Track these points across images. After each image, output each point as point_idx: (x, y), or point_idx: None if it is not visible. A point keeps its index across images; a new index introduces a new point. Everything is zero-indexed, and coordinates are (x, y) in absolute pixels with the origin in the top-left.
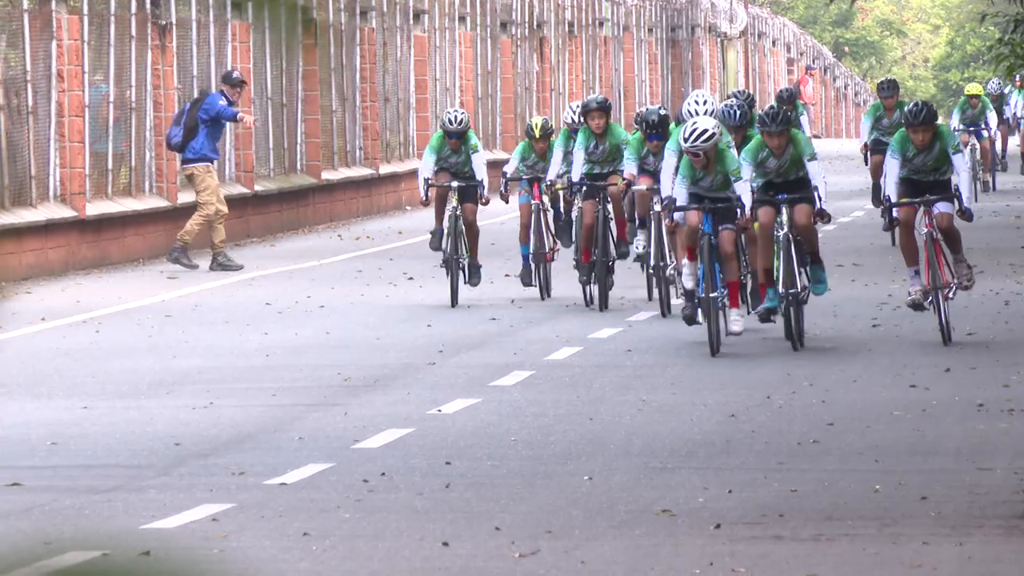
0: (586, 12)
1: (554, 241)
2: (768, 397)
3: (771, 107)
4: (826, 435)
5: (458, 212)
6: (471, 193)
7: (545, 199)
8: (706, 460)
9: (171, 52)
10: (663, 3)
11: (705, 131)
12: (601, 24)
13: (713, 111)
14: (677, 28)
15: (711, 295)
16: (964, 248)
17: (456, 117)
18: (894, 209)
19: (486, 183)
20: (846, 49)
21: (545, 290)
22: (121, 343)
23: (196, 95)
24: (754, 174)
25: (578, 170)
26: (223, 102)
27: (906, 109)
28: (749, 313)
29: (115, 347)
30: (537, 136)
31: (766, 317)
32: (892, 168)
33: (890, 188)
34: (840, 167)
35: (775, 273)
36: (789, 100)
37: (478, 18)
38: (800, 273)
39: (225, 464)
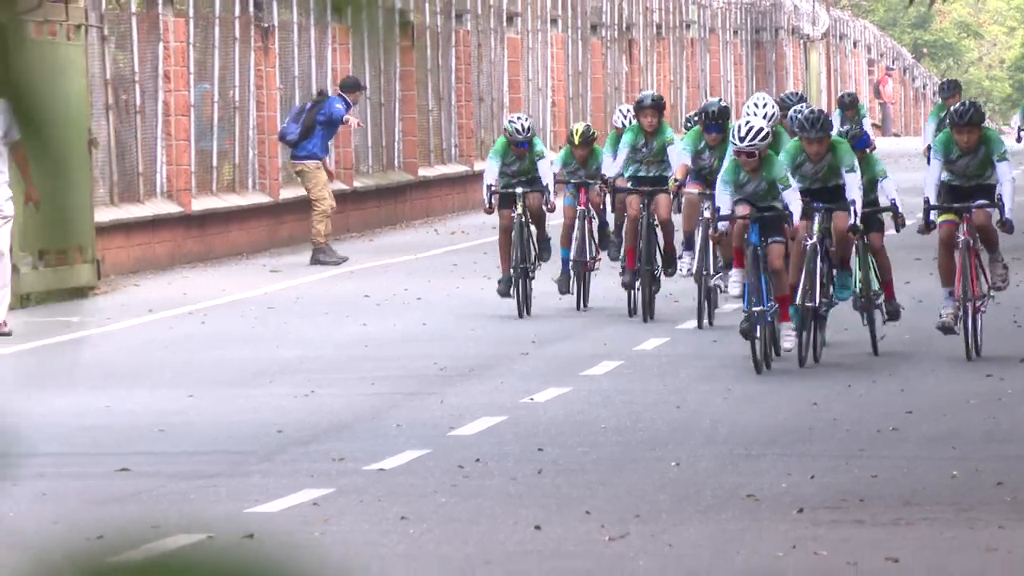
0: (674, 15)
1: (597, 251)
2: (849, 386)
3: (811, 111)
4: (905, 423)
5: (524, 218)
6: (535, 190)
7: (590, 206)
8: (789, 447)
9: (273, 54)
10: (748, 6)
11: (761, 129)
12: (688, 26)
13: (774, 114)
14: (761, 30)
15: (756, 309)
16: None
17: (523, 126)
18: (932, 214)
19: (552, 188)
20: (924, 50)
21: (583, 300)
22: (225, 334)
23: (315, 96)
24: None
25: (617, 166)
26: (340, 106)
27: (952, 109)
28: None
29: (219, 338)
30: (577, 143)
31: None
32: (934, 169)
33: (929, 189)
34: (919, 164)
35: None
36: (851, 104)
37: (569, 20)
38: (823, 286)
39: (325, 450)
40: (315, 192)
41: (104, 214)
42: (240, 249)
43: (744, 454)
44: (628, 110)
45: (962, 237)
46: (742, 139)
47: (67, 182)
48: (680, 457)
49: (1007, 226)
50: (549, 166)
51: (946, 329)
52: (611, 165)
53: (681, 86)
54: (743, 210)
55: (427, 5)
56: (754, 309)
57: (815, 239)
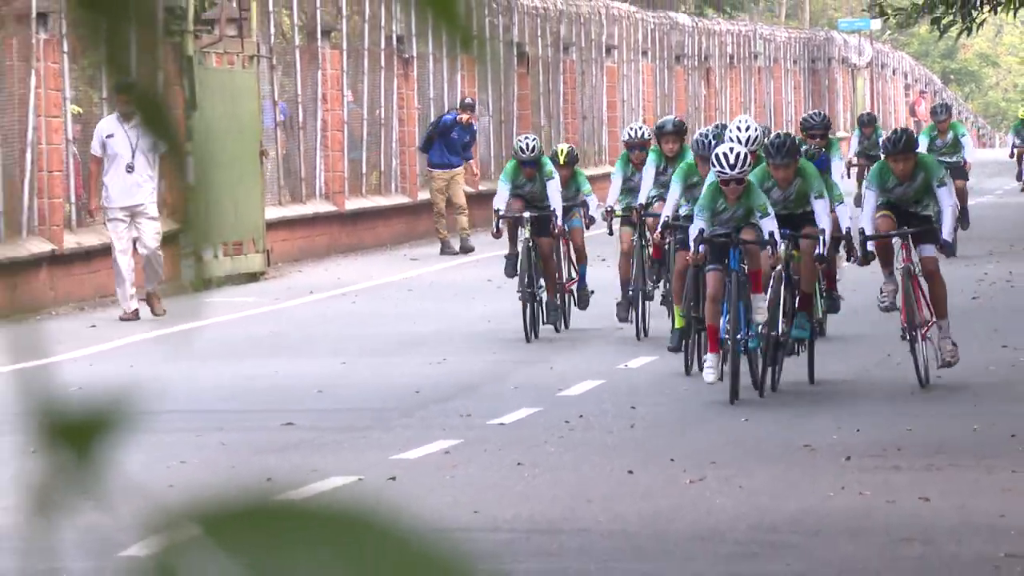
0: (744, 47)
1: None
2: (888, 355)
3: (777, 135)
4: (935, 385)
5: (531, 244)
6: (545, 224)
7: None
8: (838, 406)
9: (412, 79)
10: (805, 40)
11: (747, 156)
12: (756, 56)
13: (756, 137)
14: (816, 60)
15: (737, 337)
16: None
17: (529, 145)
18: (869, 243)
19: (560, 211)
20: (951, 77)
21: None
22: (372, 312)
23: (436, 117)
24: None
25: (646, 190)
26: (448, 116)
27: (884, 138)
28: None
29: (367, 315)
30: (562, 162)
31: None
32: (869, 200)
33: (865, 221)
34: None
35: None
36: (869, 123)
37: (657, 52)
38: (785, 316)
39: (456, 408)
40: (457, 196)
41: (273, 212)
42: (384, 241)
43: (802, 412)
44: (639, 125)
45: (901, 264)
46: (732, 167)
47: (243, 184)
48: (748, 415)
49: (946, 249)
50: (558, 188)
51: (889, 309)
52: (617, 189)
53: (750, 107)
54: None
55: (539, 39)
56: (736, 337)
57: (780, 267)
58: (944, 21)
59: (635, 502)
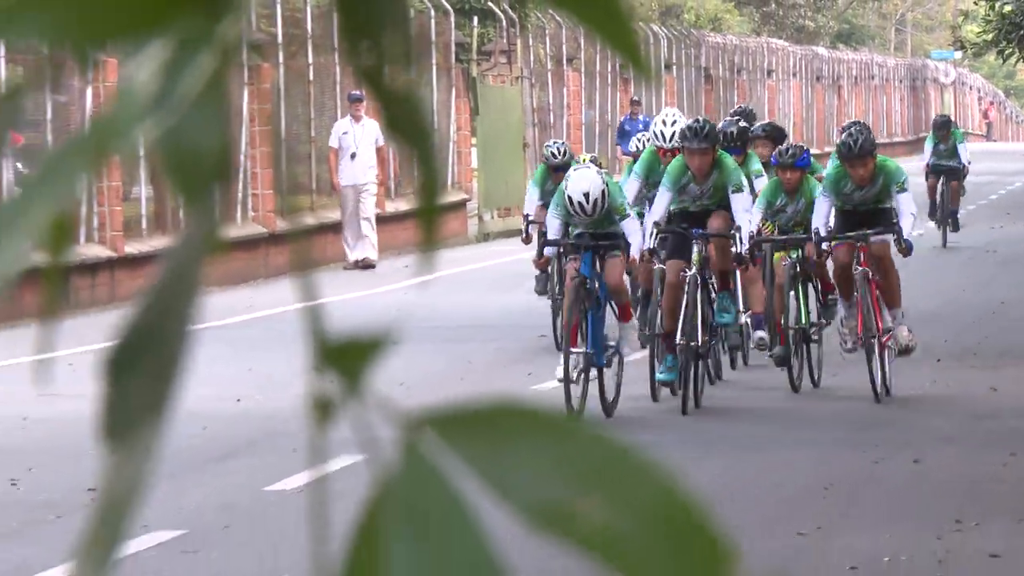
0: (864, 71)
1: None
2: (964, 290)
3: (695, 120)
4: (999, 310)
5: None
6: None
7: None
8: (932, 323)
9: (630, 92)
10: (907, 66)
11: (676, 121)
12: (872, 78)
13: (676, 132)
14: (915, 80)
15: (578, 351)
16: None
17: (559, 150)
18: (824, 244)
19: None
20: (1011, 92)
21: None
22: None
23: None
24: (672, 201)
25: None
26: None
27: (840, 141)
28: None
29: None
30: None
31: (662, 387)
32: (821, 205)
33: (818, 221)
34: (1015, 158)
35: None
36: (944, 126)
37: (803, 75)
38: (704, 322)
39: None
40: None
41: None
42: None
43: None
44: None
45: (859, 269)
46: (673, 137)
47: (511, 167)
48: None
49: (903, 246)
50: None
51: (853, 350)
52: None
53: (868, 115)
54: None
55: (720, 64)
56: (577, 350)
57: (693, 271)
58: (1006, 52)
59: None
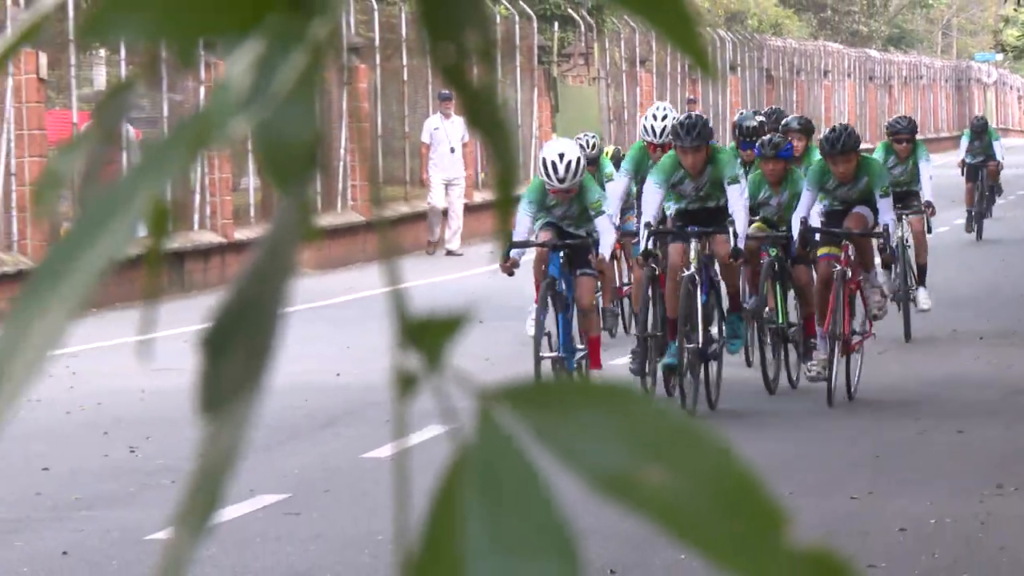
0: (913, 72)
1: None
2: (1006, 270)
3: (687, 116)
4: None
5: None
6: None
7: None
8: (978, 308)
9: (699, 92)
10: (952, 67)
11: (667, 116)
12: (921, 78)
13: (667, 127)
14: (960, 80)
15: (551, 355)
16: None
17: (588, 142)
18: (815, 236)
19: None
20: None
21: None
22: None
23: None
24: (667, 199)
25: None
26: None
27: (823, 137)
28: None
29: None
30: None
31: (667, 377)
32: (805, 199)
33: (801, 211)
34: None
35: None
36: (983, 127)
37: (856, 75)
38: (708, 324)
39: None
40: None
41: None
42: None
43: (952, 311)
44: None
45: (839, 267)
46: (664, 133)
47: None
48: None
49: (887, 253)
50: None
51: (816, 379)
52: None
53: (917, 112)
54: (544, 236)
55: (780, 66)
56: (550, 355)
57: (692, 269)
58: None
59: None
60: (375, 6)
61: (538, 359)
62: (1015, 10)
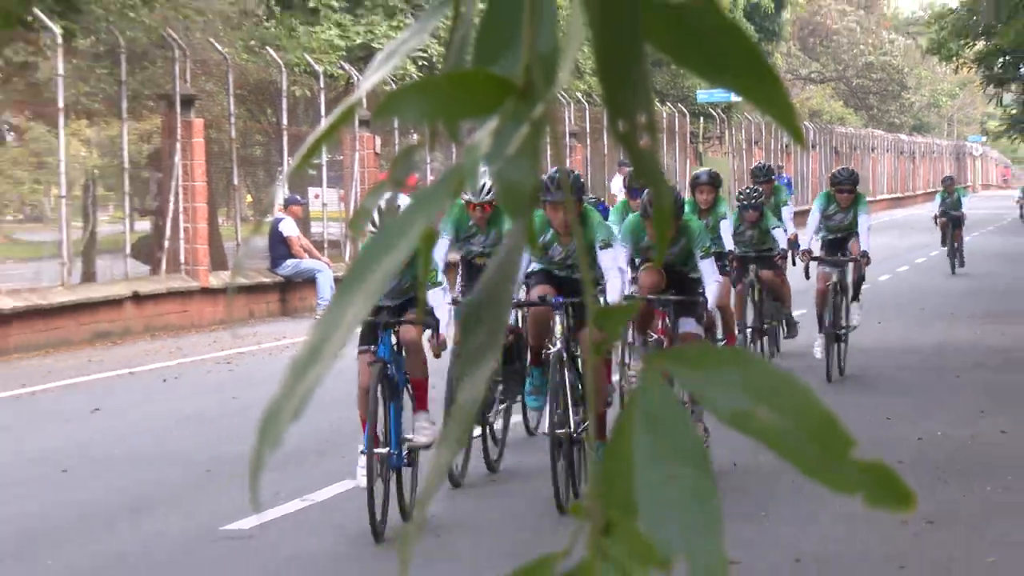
0: (928, 148)
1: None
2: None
3: (556, 169)
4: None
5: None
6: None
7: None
8: (981, 311)
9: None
10: (954, 145)
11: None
12: (933, 152)
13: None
14: (959, 154)
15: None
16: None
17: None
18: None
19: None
20: (1017, 160)
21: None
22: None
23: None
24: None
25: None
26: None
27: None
28: None
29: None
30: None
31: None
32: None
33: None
34: None
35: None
36: (949, 184)
37: (893, 151)
38: (575, 404)
39: None
40: None
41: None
42: None
43: (966, 323)
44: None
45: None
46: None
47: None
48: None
49: (865, 256)
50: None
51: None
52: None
53: (930, 176)
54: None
55: (843, 144)
56: (379, 450)
57: (559, 346)
58: (1013, 137)
59: None
60: (587, 106)
61: (370, 455)
62: (994, 109)
